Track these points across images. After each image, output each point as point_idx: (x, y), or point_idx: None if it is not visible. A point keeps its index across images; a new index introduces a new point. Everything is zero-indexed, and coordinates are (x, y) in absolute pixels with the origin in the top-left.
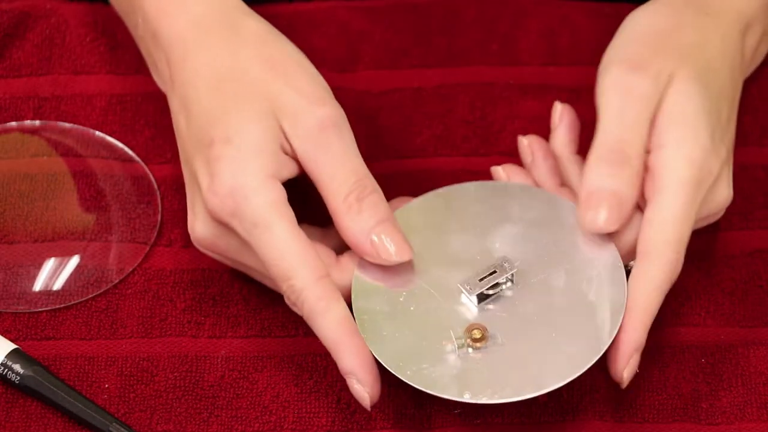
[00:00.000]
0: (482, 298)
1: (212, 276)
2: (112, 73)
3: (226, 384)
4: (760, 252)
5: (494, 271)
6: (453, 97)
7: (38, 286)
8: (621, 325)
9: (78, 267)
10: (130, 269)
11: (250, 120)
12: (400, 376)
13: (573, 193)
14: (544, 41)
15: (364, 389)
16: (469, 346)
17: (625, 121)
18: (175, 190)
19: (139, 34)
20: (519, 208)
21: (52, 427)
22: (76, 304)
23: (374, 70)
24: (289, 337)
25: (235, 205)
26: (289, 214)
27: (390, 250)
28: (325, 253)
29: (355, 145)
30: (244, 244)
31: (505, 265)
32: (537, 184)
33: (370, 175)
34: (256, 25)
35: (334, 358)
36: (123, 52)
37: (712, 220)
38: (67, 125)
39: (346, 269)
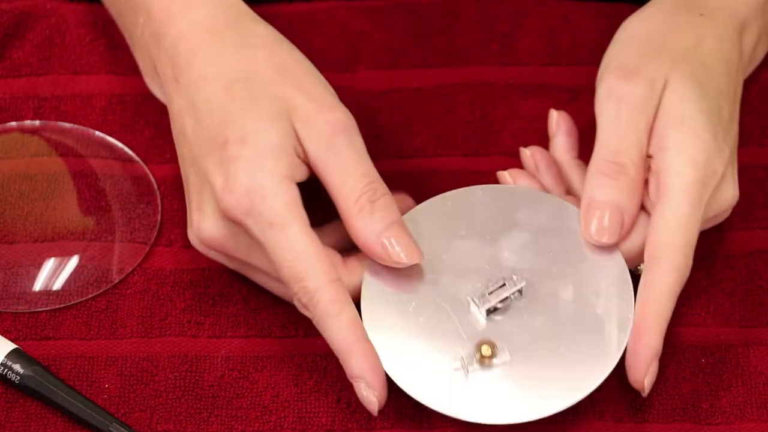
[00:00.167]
0: (491, 310)
1: (212, 276)
2: (112, 73)
3: (226, 384)
4: (760, 252)
5: (503, 284)
6: (453, 97)
7: (38, 286)
8: (637, 333)
9: (78, 267)
10: (130, 269)
11: (265, 121)
12: (408, 392)
13: (578, 201)
14: (544, 41)
15: (372, 394)
16: (478, 362)
17: (620, 129)
18: (175, 190)
19: (138, 33)
20: (526, 214)
21: (52, 427)
22: (76, 304)
23: (374, 70)
24: (289, 337)
25: (251, 204)
26: (304, 215)
27: (400, 252)
28: (333, 254)
29: (366, 150)
30: (253, 245)
31: (514, 277)
32: (543, 189)
33: (381, 179)
34: (264, 31)
35: (343, 362)
36: (123, 52)
37: (719, 219)
38: (67, 125)
39: (354, 271)
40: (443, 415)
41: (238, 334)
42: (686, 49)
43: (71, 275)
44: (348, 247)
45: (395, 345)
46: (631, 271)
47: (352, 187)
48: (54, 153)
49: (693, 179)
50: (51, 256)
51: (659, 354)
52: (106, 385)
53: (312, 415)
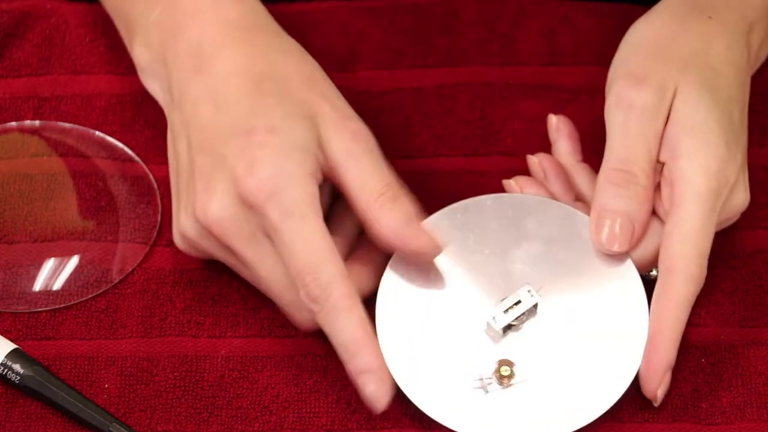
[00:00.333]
0: (506, 327)
1: (212, 276)
2: (112, 73)
3: (226, 384)
4: (760, 252)
5: (519, 301)
6: (453, 97)
7: (38, 286)
8: (652, 345)
9: (78, 267)
10: (130, 269)
11: (293, 118)
12: (426, 412)
13: (587, 206)
14: (544, 41)
15: (382, 388)
16: (497, 382)
17: (629, 138)
18: None
19: (149, 21)
20: (536, 223)
21: (52, 427)
22: (76, 304)
23: (374, 70)
24: (289, 337)
25: (273, 189)
26: (321, 212)
27: (424, 240)
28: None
29: (383, 159)
30: (254, 236)
31: (529, 292)
32: (551, 196)
33: (399, 183)
34: (292, 43)
35: (351, 357)
36: (123, 52)
37: (729, 223)
38: (67, 125)
39: (355, 276)
40: None
41: (238, 334)
42: (695, 53)
43: (71, 275)
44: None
45: (411, 365)
46: (643, 277)
47: (373, 187)
48: (54, 153)
49: (706, 189)
50: (51, 256)
51: (673, 365)
52: (106, 385)
53: (312, 415)
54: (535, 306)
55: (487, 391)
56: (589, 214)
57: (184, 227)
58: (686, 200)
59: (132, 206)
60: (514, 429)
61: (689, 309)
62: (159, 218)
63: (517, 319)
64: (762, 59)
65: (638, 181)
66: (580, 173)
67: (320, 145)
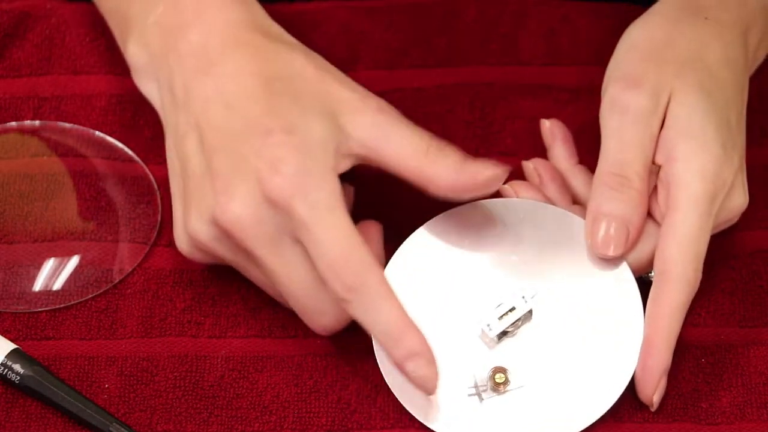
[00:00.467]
0: (501, 334)
1: (212, 276)
2: (112, 73)
3: (226, 384)
4: (760, 252)
5: (513, 308)
6: (453, 97)
7: (38, 286)
8: (647, 349)
9: (78, 267)
10: (130, 269)
11: (311, 116)
12: (421, 420)
13: (584, 210)
14: (544, 41)
15: (431, 369)
16: (492, 389)
17: (623, 142)
18: None
19: (150, 21)
20: (531, 228)
21: (52, 427)
22: (76, 304)
23: (374, 70)
24: (289, 337)
25: (299, 185)
26: (346, 207)
27: (486, 173)
28: None
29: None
30: (279, 235)
31: (523, 298)
32: (547, 200)
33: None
34: (295, 42)
35: (395, 343)
36: None
37: (728, 225)
38: (67, 125)
39: None
40: None
41: (238, 334)
42: (691, 56)
43: (71, 275)
44: None
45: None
46: (642, 278)
47: (417, 147)
48: (54, 153)
49: (702, 192)
50: (51, 256)
51: (668, 369)
52: (106, 385)
53: (312, 415)
54: (530, 312)
55: (482, 399)
56: (584, 218)
57: (195, 230)
58: (682, 203)
59: (132, 206)
60: None
61: (684, 313)
62: (159, 218)
63: (512, 325)
64: (760, 59)
65: (633, 184)
66: (577, 176)
67: (345, 133)
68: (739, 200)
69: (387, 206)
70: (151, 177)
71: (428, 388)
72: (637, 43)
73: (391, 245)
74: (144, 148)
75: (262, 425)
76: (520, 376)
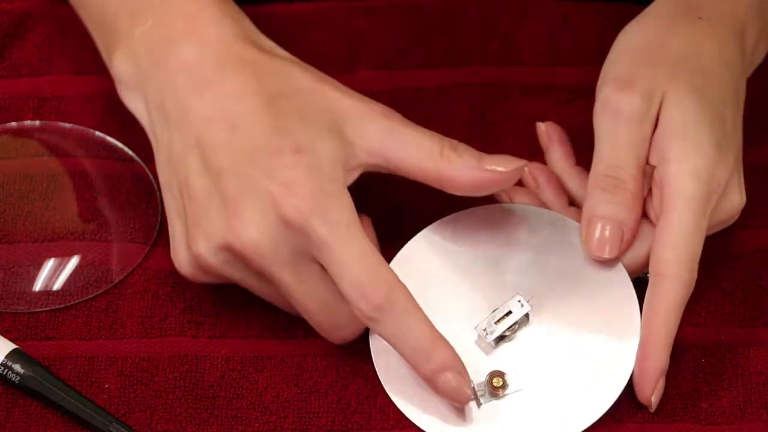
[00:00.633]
0: (498, 338)
1: None
2: None
3: (226, 384)
4: (760, 252)
5: (510, 312)
6: (453, 97)
7: (38, 286)
8: (644, 351)
9: (78, 267)
10: (130, 269)
11: (318, 132)
12: (418, 424)
13: (580, 212)
14: (544, 41)
15: (464, 379)
16: (490, 394)
17: (616, 143)
18: None
19: (136, 34)
20: (527, 233)
21: (52, 427)
22: (76, 304)
23: (374, 70)
24: (289, 337)
25: (317, 205)
26: (360, 223)
27: (510, 164)
28: None
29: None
30: (295, 255)
31: (520, 302)
32: (542, 204)
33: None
34: (287, 55)
35: (425, 359)
36: None
37: (726, 225)
38: (67, 125)
39: None
40: None
41: (238, 334)
42: (685, 56)
43: (71, 275)
44: None
45: (403, 377)
46: (639, 278)
47: (431, 148)
48: (54, 153)
49: (696, 193)
50: (51, 256)
51: (666, 370)
52: (106, 385)
53: (312, 415)
54: (527, 315)
55: (480, 403)
56: (580, 221)
57: (203, 254)
58: (676, 204)
59: (132, 206)
60: None
61: (680, 313)
62: (159, 218)
63: (509, 329)
64: (760, 58)
65: (626, 186)
66: (574, 178)
67: (352, 146)
68: (735, 200)
69: (384, 211)
70: (151, 177)
71: (462, 399)
72: (631, 44)
73: (388, 251)
74: (144, 148)
75: (262, 425)
76: (518, 380)
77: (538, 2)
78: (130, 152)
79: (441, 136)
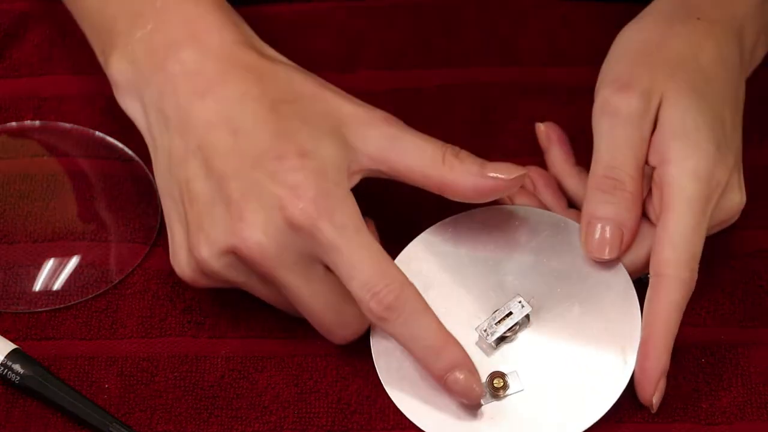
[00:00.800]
0: (499, 339)
1: None
2: None
3: (226, 384)
4: (760, 252)
5: (510, 313)
6: (453, 98)
7: (38, 286)
8: (645, 352)
9: (78, 267)
10: (130, 269)
11: (321, 137)
12: (419, 425)
13: (579, 214)
14: (544, 41)
15: (475, 377)
16: (491, 395)
17: (615, 145)
18: None
19: (135, 37)
20: (527, 234)
21: (52, 427)
22: (76, 304)
23: (374, 71)
24: (289, 337)
25: (323, 208)
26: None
27: (513, 172)
28: None
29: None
30: (301, 258)
31: (520, 303)
32: (542, 205)
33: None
34: (286, 60)
35: (436, 358)
36: None
37: (726, 224)
38: (67, 125)
39: None
40: None
41: (238, 334)
42: (684, 57)
43: (71, 275)
44: None
45: (404, 378)
46: (639, 279)
47: (432, 153)
48: (54, 153)
49: (696, 193)
50: (51, 256)
51: (667, 371)
52: (106, 385)
53: (312, 415)
54: (528, 316)
55: (481, 404)
56: (580, 222)
57: (205, 258)
58: (676, 204)
59: (132, 206)
60: None
61: (681, 314)
62: (159, 218)
63: (509, 330)
64: (760, 58)
65: (626, 187)
66: (574, 178)
67: (354, 150)
68: (735, 200)
69: (384, 214)
70: (151, 177)
71: (472, 398)
72: (630, 45)
73: (388, 253)
74: (144, 148)
75: (262, 425)
76: (519, 381)
77: (538, 2)
78: (130, 152)
79: (443, 143)
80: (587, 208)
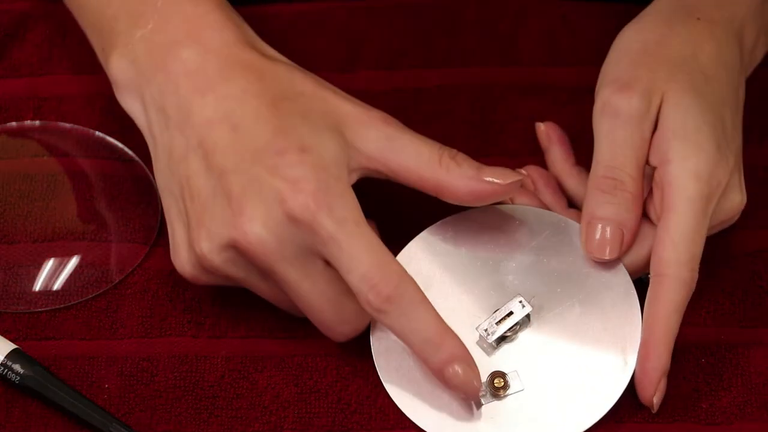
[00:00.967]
0: (500, 339)
1: None
2: None
3: (226, 384)
4: (760, 252)
5: (511, 312)
6: (453, 98)
7: (38, 286)
8: (645, 352)
9: (78, 267)
10: (130, 269)
11: (321, 133)
12: (419, 425)
13: (580, 214)
14: (544, 41)
15: (473, 371)
16: (491, 395)
17: (615, 145)
18: None
19: (136, 36)
20: (528, 234)
21: (52, 427)
22: (76, 304)
23: (374, 71)
24: (289, 337)
25: (323, 201)
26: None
27: (509, 177)
28: None
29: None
30: (301, 252)
31: (521, 303)
32: (542, 205)
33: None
34: (286, 59)
35: (435, 350)
36: None
37: (727, 224)
38: (67, 125)
39: None
40: None
41: (238, 334)
42: (684, 58)
43: (71, 275)
44: None
45: (404, 378)
46: (640, 279)
47: (429, 155)
48: (54, 153)
49: (697, 194)
50: (51, 256)
51: (667, 371)
52: (106, 385)
53: (312, 415)
54: (528, 316)
55: (482, 404)
56: (580, 222)
57: (206, 253)
58: (677, 205)
59: (132, 206)
60: None
61: (682, 314)
62: (159, 218)
63: (510, 330)
64: (759, 58)
65: (626, 187)
66: (574, 178)
67: (353, 148)
68: (735, 200)
69: (384, 213)
70: (151, 177)
71: (470, 392)
72: (630, 45)
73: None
74: (144, 148)
75: (262, 425)
76: (519, 381)
77: (538, 2)
78: (130, 152)
79: (440, 145)
80: (587, 209)
